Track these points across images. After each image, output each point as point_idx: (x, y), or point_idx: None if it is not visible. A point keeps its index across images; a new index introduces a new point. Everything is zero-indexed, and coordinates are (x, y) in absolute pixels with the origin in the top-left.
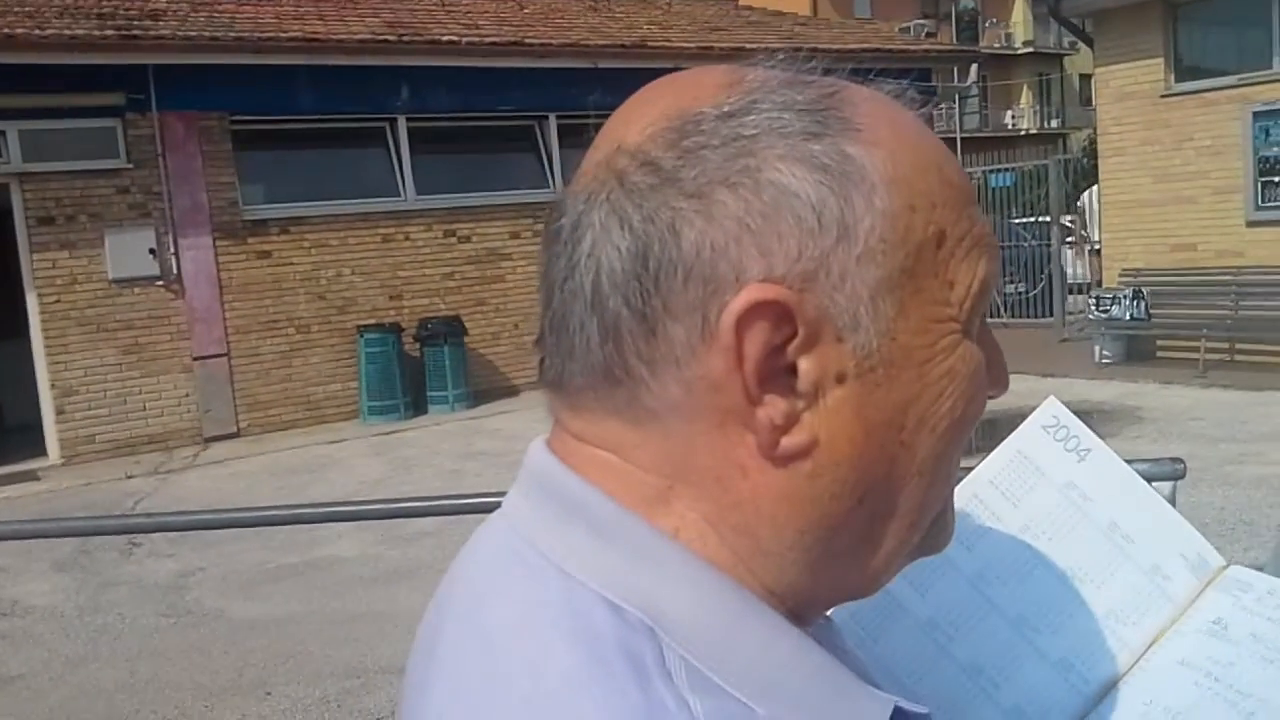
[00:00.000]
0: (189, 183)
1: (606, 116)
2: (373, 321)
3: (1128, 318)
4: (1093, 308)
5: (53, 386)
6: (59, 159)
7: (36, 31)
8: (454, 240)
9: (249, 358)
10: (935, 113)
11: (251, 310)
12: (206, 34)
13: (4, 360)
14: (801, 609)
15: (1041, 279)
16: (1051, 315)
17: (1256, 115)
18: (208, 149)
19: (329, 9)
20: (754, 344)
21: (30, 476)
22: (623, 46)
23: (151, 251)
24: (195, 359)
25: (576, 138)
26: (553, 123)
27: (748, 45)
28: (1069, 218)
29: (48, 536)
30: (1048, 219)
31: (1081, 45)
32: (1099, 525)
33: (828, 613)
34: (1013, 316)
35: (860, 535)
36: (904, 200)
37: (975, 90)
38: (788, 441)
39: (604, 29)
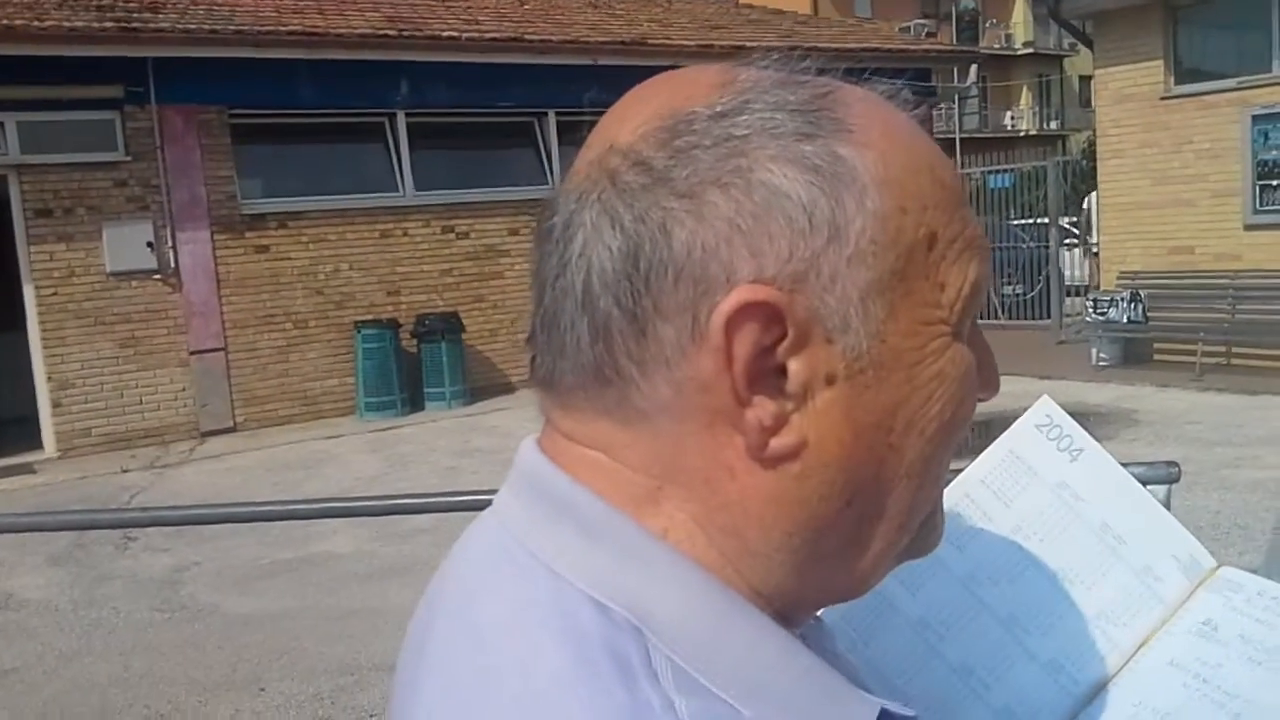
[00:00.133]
0: (187, 176)
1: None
2: (370, 317)
3: (1125, 320)
4: (1090, 310)
5: (49, 379)
6: (57, 151)
7: (36, 23)
8: (452, 236)
9: (246, 352)
10: (935, 113)
11: (249, 305)
12: (206, 27)
13: (0, 353)
14: (789, 610)
15: (1039, 281)
16: (1049, 317)
17: (1255, 118)
18: (206, 142)
19: (329, 3)
20: (743, 345)
21: (26, 469)
22: (622, 43)
23: (149, 245)
24: (192, 353)
25: (575, 134)
26: (552, 119)
27: (747, 43)
28: (1069, 220)
29: (43, 530)
30: (1046, 221)
31: (1082, 47)
32: (1091, 526)
33: (818, 614)
34: (1010, 318)
35: (848, 537)
36: (895, 202)
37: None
38: (776, 443)
39: (604, 26)
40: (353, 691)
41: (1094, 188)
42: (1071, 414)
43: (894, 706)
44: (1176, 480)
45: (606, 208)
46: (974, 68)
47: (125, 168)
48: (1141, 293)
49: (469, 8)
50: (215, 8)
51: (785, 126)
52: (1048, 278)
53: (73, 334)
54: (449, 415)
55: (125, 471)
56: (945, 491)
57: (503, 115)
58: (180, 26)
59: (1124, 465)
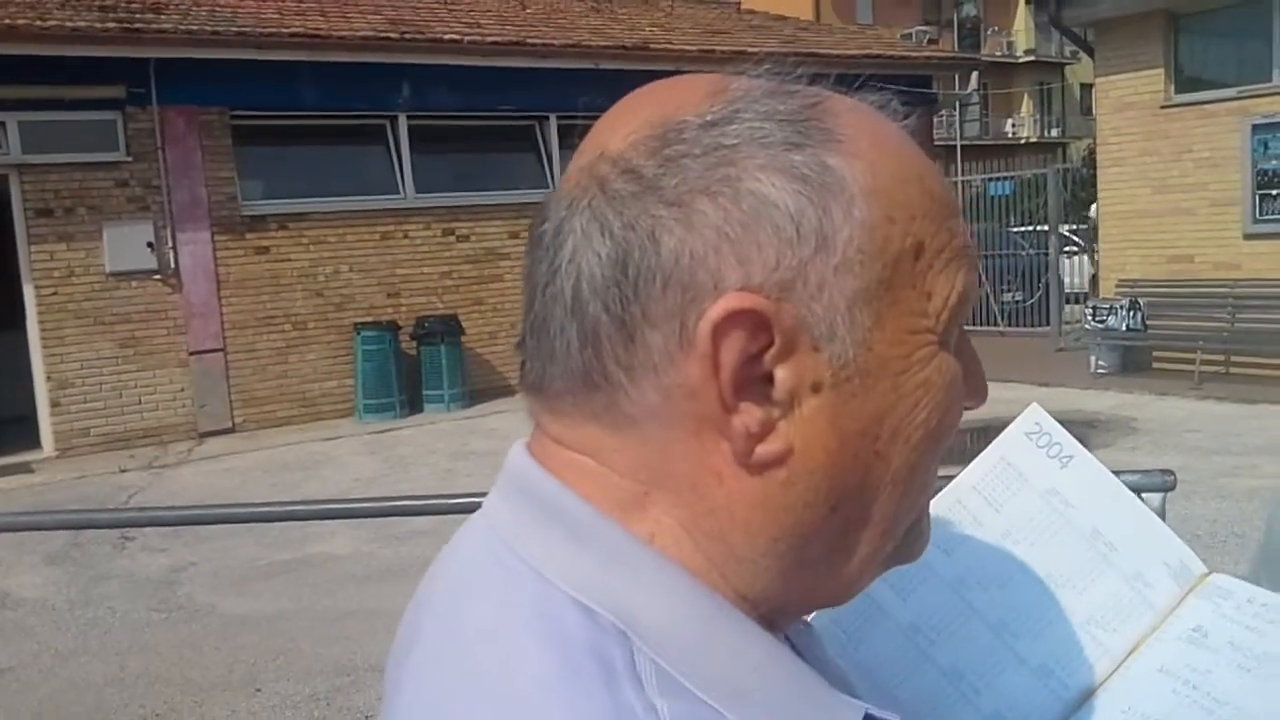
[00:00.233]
0: (188, 177)
1: None
2: (370, 319)
3: (1124, 328)
4: (1089, 318)
5: (48, 379)
6: (58, 151)
7: (38, 23)
8: (452, 239)
9: (245, 353)
10: (936, 120)
11: (249, 306)
12: (208, 28)
13: (0, 352)
14: (775, 615)
15: (1039, 288)
16: (1048, 324)
17: (1255, 128)
18: (208, 143)
19: (331, 5)
20: (730, 352)
21: (24, 468)
22: (624, 48)
23: (150, 245)
24: (191, 354)
25: (576, 139)
26: (553, 123)
27: (749, 49)
28: (1069, 227)
29: (40, 529)
30: (1046, 228)
31: (1083, 55)
32: (1081, 532)
33: (808, 618)
34: (1009, 325)
35: (834, 543)
36: (883, 211)
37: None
38: (762, 449)
39: (606, 30)
40: (349, 692)
41: (1095, 196)
42: (1070, 422)
43: (878, 711)
44: (1172, 488)
45: (596, 214)
46: (975, 75)
47: (126, 168)
48: (1141, 301)
49: (471, 11)
50: (218, 9)
51: (774, 136)
52: (1047, 285)
53: (72, 334)
54: (448, 418)
55: (123, 471)
56: (936, 498)
57: (504, 119)
58: (182, 27)
59: (1120, 473)
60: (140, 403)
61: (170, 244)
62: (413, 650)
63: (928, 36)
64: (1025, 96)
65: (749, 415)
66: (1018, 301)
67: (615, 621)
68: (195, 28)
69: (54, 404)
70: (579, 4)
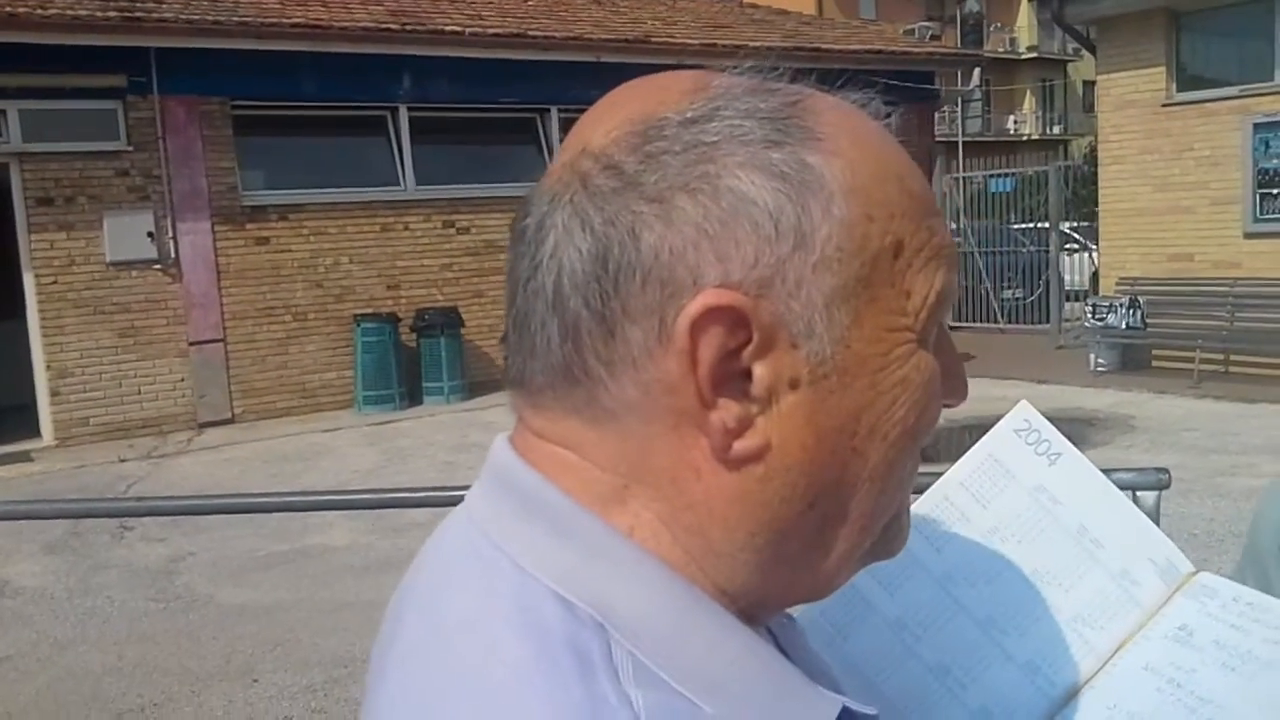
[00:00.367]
0: (189, 167)
1: None
2: (370, 311)
3: (1124, 326)
4: (1089, 315)
5: (48, 368)
6: (59, 140)
7: (39, 11)
8: (453, 231)
9: (245, 344)
10: (938, 115)
11: (249, 296)
12: (209, 18)
13: (0, 340)
14: (754, 609)
15: (1039, 285)
16: (1048, 322)
17: (1257, 127)
18: (208, 133)
19: None
20: (708, 348)
21: (23, 457)
22: (626, 41)
23: (150, 235)
24: (191, 344)
25: None
26: (554, 116)
27: (751, 43)
28: (1070, 225)
29: (39, 518)
30: (1047, 225)
31: (1085, 52)
32: (1068, 529)
33: (792, 612)
34: (1009, 322)
35: (811, 539)
36: (862, 210)
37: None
38: (740, 445)
39: (608, 23)
40: (345, 683)
41: (1096, 193)
42: (1069, 419)
43: (855, 704)
44: (1167, 486)
45: (578, 210)
46: (977, 71)
47: (127, 157)
48: (1140, 299)
49: (473, 3)
50: None
51: (754, 134)
52: (1047, 282)
53: (72, 323)
54: (447, 410)
55: (122, 461)
56: (924, 494)
57: (505, 111)
58: (183, 17)
59: (1115, 471)
60: (140, 392)
61: (170, 234)
62: (396, 640)
63: (930, 32)
64: (1027, 93)
65: (727, 411)
66: (1018, 299)
67: (593, 613)
68: (196, 17)
69: (54, 393)
70: None
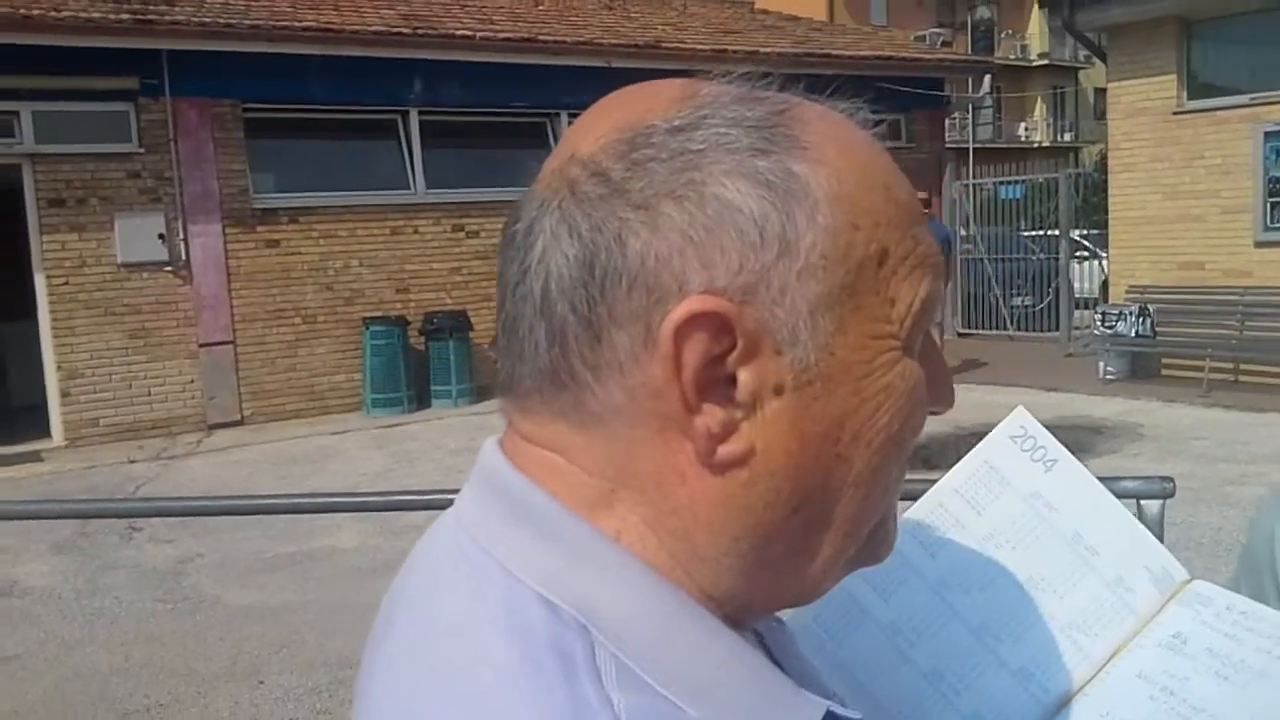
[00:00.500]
0: (200, 169)
1: None
2: (379, 314)
3: (1133, 334)
4: (1098, 324)
5: (58, 368)
6: (71, 141)
7: (53, 13)
8: (462, 235)
9: (255, 346)
10: (948, 122)
11: (259, 299)
12: (221, 21)
13: (11, 341)
14: (739, 613)
15: (1049, 293)
16: (1057, 329)
17: (1268, 135)
18: (219, 136)
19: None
20: (693, 353)
21: (33, 457)
22: (636, 46)
23: (161, 237)
24: (201, 345)
25: None
26: (564, 120)
27: (762, 49)
28: (1080, 232)
29: (48, 518)
30: (1057, 233)
31: (1096, 59)
32: (1063, 536)
33: (781, 616)
34: (1018, 329)
35: (795, 544)
36: (847, 218)
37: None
38: (724, 450)
39: (618, 28)
40: (351, 685)
41: (1106, 201)
42: (1077, 427)
43: (839, 708)
44: (1171, 495)
45: (565, 216)
46: (988, 78)
47: (138, 159)
48: (1150, 307)
49: (484, 7)
50: (230, 2)
51: (740, 142)
52: (1057, 290)
53: (83, 324)
54: (455, 413)
55: (132, 462)
56: (919, 500)
57: (515, 115)
58: (195, 20)
59: (1119, 479)
60: (150, 394)
61: (181, 236)
62: (385, 641)
63: (941, 39)
64: (1038, 100)
65: (711, 416)
66: (1027, 306)
67: (577, 615)
68: (208, 20)
69: (64, 394)
70: (592, 2)
